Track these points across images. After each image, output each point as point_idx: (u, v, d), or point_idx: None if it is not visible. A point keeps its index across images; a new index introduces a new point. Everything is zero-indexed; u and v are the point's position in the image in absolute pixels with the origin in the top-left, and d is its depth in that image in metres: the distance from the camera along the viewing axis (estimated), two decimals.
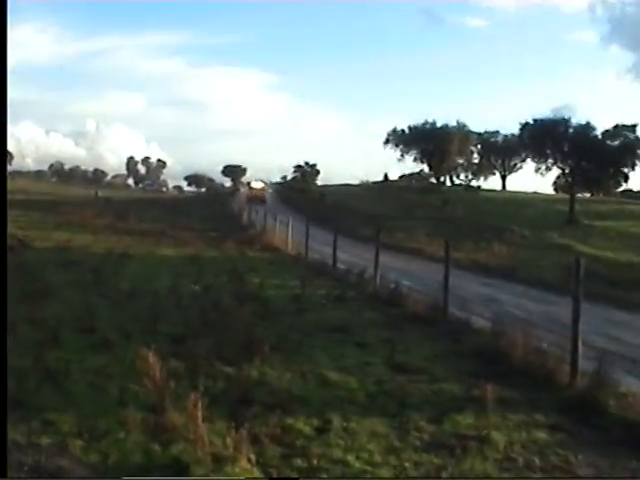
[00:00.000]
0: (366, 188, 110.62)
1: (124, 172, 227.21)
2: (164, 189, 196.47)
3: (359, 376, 11.44)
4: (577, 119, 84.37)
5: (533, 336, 13.33)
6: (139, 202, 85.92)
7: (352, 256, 29.96)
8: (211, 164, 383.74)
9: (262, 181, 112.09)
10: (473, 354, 13.35)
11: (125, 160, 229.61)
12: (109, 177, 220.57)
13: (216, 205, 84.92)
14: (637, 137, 78.05)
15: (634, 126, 78.31)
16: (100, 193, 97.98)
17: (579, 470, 8.12)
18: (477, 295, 23.18)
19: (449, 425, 9.27)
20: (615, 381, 10.85)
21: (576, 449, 8.74)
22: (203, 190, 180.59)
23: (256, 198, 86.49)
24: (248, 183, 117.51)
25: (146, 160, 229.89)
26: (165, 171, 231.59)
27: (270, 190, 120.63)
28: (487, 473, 7.82)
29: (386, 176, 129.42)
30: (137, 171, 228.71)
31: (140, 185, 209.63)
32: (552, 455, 8.51)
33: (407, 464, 7.93)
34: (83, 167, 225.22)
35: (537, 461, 8.29)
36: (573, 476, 6.91)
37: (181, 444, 7.83)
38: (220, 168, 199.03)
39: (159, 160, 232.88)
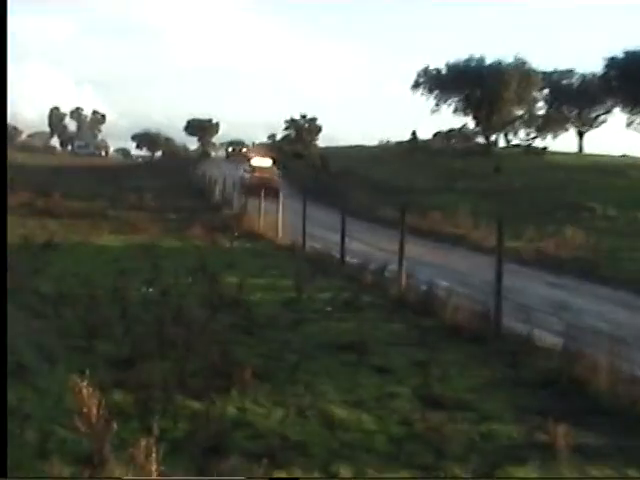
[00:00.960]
0: (387, 151, 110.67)
1: (46, 129, 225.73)
2: (103, 153, 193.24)
3: (379, 413, 11.46)
4: None
5: (624, 359, 13.33)
6: (68, 171, 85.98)
7: (368, 245, 30.03)
8: (169, 118, 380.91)
9: (264, 152, 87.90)
10: (538, 383, 13.37)
11: (47, 112, 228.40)
12: (24, 136, 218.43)
13: (177, 175, 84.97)
14: None
15: None
16: (12, 157, 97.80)
17: None
18: (543, 300, 23.16)
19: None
20: None
21: None
22: (158, 154, 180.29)
23: (261, 186, 52.34)
24: (246, 156, 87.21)
25: (77, 112, 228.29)
26: (104, 127, 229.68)
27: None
28: None
29: (415, 134, 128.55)
30: (64, 127, 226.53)
31: (69, 147, 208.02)
32: None
33: None
34: None
35: None
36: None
37: None
38: (182, 123, 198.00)
39: (95, 112, 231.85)
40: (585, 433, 10.94)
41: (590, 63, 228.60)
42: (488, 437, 10.80)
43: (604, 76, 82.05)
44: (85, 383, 9.38)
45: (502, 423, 11.35)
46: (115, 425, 9.05)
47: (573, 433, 10.57)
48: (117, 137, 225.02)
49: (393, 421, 11.17)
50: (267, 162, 79.13)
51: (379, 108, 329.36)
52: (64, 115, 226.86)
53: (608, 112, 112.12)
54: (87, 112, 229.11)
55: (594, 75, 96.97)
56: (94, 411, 9.08)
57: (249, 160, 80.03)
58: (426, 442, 10.36)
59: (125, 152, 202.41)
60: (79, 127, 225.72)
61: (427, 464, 9.64)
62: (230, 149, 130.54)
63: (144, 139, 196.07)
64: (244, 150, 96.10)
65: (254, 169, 73.93)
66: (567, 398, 12.52)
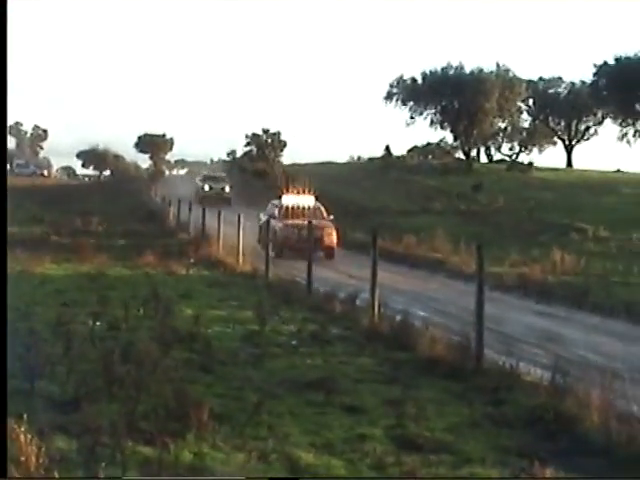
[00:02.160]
0: (358, 168, 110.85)
1: None
2: (45, 172, 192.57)
3: (349, 457, 11.44)
4: None
5: (617, 394, 13.39)
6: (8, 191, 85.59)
7: (337, 272, 30.13)
8: (118, 133, 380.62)
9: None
10: (522, 422, 13.40)
11: None
12: None
13: (127, 196, 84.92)
14: None
15: None
16: None
17: None
18: (529, 330, 23.26)
19: None
20: None
21: None
22: (107, 173, 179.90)
23: (304, 242, 36.10)
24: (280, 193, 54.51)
25: (15, 127, 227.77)
26: (46, 144, 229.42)
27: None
28: None
29: (388, 149, 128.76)
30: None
31: (8, 166, 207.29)
32: None
33: None
34: None
35: None
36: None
37: None
38: (133, 139, 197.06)
39: (36, 127, 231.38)
40: (574, 476, 10.99)
41: (579, 71, 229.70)
42: None
43: (594, 84, 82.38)
44: (23, 428, 9.35)
45: (483, 466, 11.35)
46: (57, 474, 9.04)
47: (561, 476, 10.63)
48: (61, 155, 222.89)
49: (364, 465, 11.16)
50: (308, 200, 51.44)
51: (350, 121, 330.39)
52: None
53: (599, 124, 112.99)
54: (27, 127, 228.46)
55: (583, 83, 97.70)
56: (33, 459, 9.06)
57: (279, 196, 52.32)
58: None
59: (70, 171, 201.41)
60: (18, 144, 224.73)
61: None
62: (205, 173, 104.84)
63: (91, 157, 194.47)
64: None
65: (288, 212, 49.47)
66: (554, 437, 12.55)
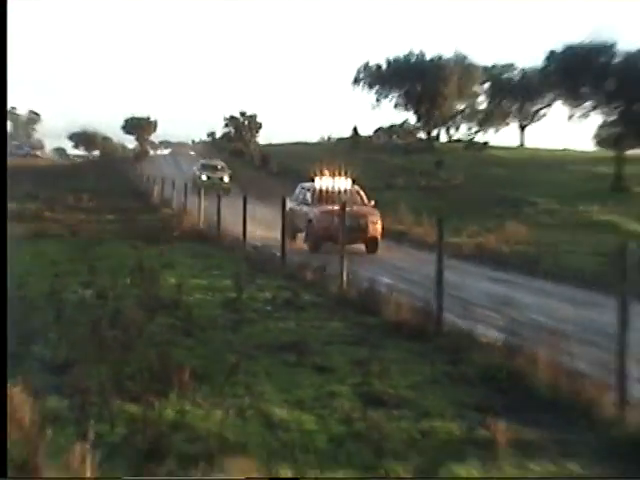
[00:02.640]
0: (329, 148, 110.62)
1: None
2: (39, 153, 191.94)
3: (319, 413, 11.44)
4: (626, 44, 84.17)
5: (564, 353, 13.42)
6: None
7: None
8: (107, 116, 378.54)
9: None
10: (479, 379, 13.43)
11: None
12: None
13: (115, 175, 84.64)
14: None
15: None
16: None
17: None
18: (485, 295, 23.23)
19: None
20: None
21: None
22: (96, 154, 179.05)
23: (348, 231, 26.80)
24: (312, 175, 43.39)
25: (11, 111, 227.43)
26: (39, 127, 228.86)
27: (192, 153, 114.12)
28: None
29: (355, 130, 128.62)
30: None
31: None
32: None
33: None
34: None
35: None
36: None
37: None
38: (120, 122, 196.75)
39: (30, 111, 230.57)
40: (526, 428, 11.02)
41: (531, 58, 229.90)
42: (429, 434, 10.82)
43: (544, 70, 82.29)
44: (18, 388, 9.32)
45: (442, 420, 11.37)
46: (50, 431, 9.01)
47: (513, 428, 10.66)
48: (53, 137, 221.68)
49: (333, 420, 11.16)
50: (345, 183, 41.75)
51: (320, 104, 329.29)
52: None
53: (549, 105, 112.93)
54: (21, 111, 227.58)
55: (534, 69, 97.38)
56: (27, 417, 9.03)
57: (312, 179, 42.23)
58: (366, 441, 10.37)
59: (62, 152, 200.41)
60: (14, 127, 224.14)
61: (367, 463, 9.65)
62: (202, 161, 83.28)
63: (81, 138, 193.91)
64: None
65: (323, 196, 39.94)
66: (507, 393, 12.60)
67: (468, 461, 9.83)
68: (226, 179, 69.60)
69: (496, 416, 10.93)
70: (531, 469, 9.74)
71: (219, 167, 75.32)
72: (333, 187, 40.10)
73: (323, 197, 39.09)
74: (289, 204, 34.31)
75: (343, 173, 41.19)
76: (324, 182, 40.43)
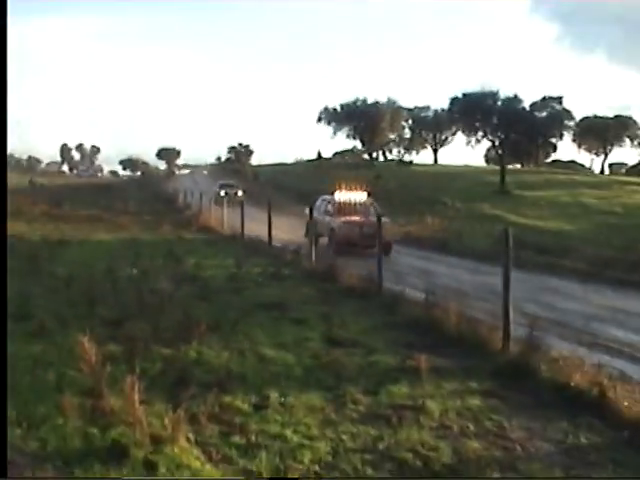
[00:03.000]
0: (300, 166, 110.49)
1: (58, 159, 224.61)
2: (99, 174, 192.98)
3: (296, 351, 11.47)
4: (505, 92, 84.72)
5: (466, 306, 13.50)
6: (74, 188, 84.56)
7: (288, 234, 29.99)
8: (145, 148, 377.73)
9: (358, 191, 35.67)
10: (407, 325, 13.50)
11: (59, 147, 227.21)
12: (43, 164, 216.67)
13: (152, 188, 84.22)
14: (564, 108, 79.46)
15: (560, 97, 79.62)
16: (35, 180, 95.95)
17: (513, 434, 8.26)
18: (411, 268, 23.34)
19: (385, 396, 9.36)
20: (547, 346, 11.03)
21: (509, 413, 8.92)
22: (138, 174, 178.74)
23: (363, 239, 29.37)
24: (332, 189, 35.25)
25: (80, 146, 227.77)
26: (100, 156, 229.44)
27: (205, 172, 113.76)
28: (423, 441, 7.89)
29: (319, 154, 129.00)
30: (72, 157, 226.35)
31: (75, 171, 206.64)
32: (486, 421, 8.67)
33: (344, 436, 7.99)
34: (16, 155, 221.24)
35: (472, 427, 8.44)
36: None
37: (120, 427, 7.78)
38: (154, 151, 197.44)
39: (93, 146, 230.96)
40: (440, 358, 11.08)
41: (440, 101, 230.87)
42: (373, 364, 10.88)
43: (449, 110, 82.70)
44: (86, 338, 9.30)
45: (383, 354, 11.43)
46: (108, 368, 9.02)
47: (431, 359, 10.72)
48: (109, 162, 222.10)
49: (306, 356, 11.20)
50: (361, 196, 34.99)
51: (295, 135, 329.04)
52: (71, 149, 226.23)
53: (454, 135, 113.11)
54: (87, 146, 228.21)
55: (443, 110, 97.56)
56: (93, 358, 9.02)
57: (332, 192, 35.18)
58: (330, 370, 10.42)
59: (115, 173, 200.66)
60: (82, 156, 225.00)
61: (330, 385, 9.71)
62: (221, 182, 75.86)
63: (128, 163, 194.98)
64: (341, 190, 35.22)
65: (343, 208, 33.54)
66: (427, 335, 12.64)
67: (401, 383, 9.89)
68: (239, 193, 64.08)
69: (419, 351, 11.00)
70: (444, 386, 9.81)
71: (233, 185, 71.41)
72: (351, 200, 33.64)
73: (344, 209, 32.51)
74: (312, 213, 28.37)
75: (358, 187, 34.54)
76: (343, 195, 33.75)
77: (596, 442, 8.12)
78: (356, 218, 31.07)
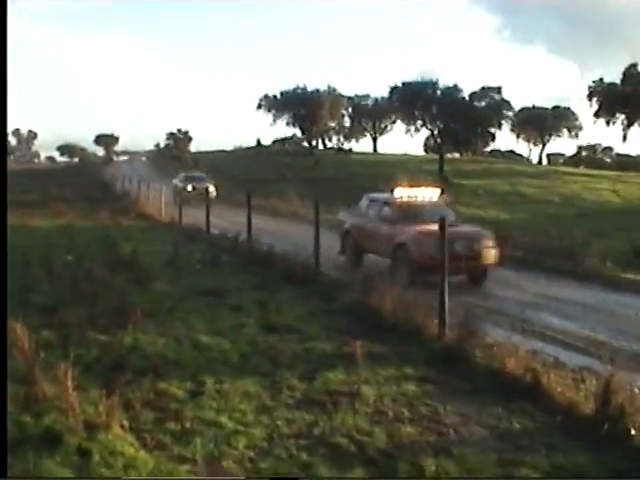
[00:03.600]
0: (240, 153, 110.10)
1: None
2: (36, 160, 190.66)
3: (232, 338, 11.46)
4: (445, 82, 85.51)
5: (402, 292, 13.56)
6: (10, 174, 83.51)
7: (225, 220, 29.84)
8: (83, 134, 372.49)
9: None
10: (344, 312, 13.54)
11: None
12: None
13: (89, 175, 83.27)
14: (503, 98, 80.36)
15: (499, 88, 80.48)
16: None
17: (447, 419, 8.35)
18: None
19: (320, 382, 9.40)
20: (482, 333, 11.13)
21: (444, 399, 9.00)
22: (76, 160, 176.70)
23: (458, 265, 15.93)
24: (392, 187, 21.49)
25: (17, 132, 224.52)
26: (36, 142, 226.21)
27: (144, 158, 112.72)
28: (358, 427, 7.94)
29: (259, 141, 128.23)
30: (8, 143, 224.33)
31: (11, 157, 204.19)
32: (421, 406, 8.75)
33: (279, 422, 8.02)
34: None
35: (406, 413, 8.51)
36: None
37: (53, 414, 7.74)
38: (92, 137, 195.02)
39: (30, 131, 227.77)
40: (376, 345, 11.13)
41: (381, 90, 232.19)
42: (309, 351, 10.91)
43: (389, 99, 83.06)
44: (19, 325, 9.20)
45: (319, 341, 11.46)
46: (42, 354, 8.94)
47: (367, 345, 10.77)
48: (46, 148, 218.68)
49: (243, 342, 11.20)
50: (432, 194, 22.13)
51: (234, 122, 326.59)
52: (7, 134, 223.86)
53: (393, 123, 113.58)
54: (24, 131, 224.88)
55: (383, 98, 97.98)
56: (26, 345, 8.92)
57: (391, 190, 21.65)
58: (266, 356, 10.44)
59: (52, 159, 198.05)
60: (18, 142, 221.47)
61: (266, 371, 9.73)
62: (183, 174, 56.59)
63: (65, 149, 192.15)
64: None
65: (410, 213, 20.33)
66: (364, 321, 12.69)
67: (336, 369, 9.93)
68: (211, 188, 44.56)
69: (355, 337, 11.04)
70: (379, 372, 9.86)
71: (202, 178, 52.68)
72: (418, 200, 21.61)
73: (410, 213, 20.50)
74: (346, 218, 23.73)
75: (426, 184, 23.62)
76: (406, 192, 21.66)
77: (529, 427, 8.24)
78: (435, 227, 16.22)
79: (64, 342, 10.33)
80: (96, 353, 10.19)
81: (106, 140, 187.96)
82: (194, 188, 47.22)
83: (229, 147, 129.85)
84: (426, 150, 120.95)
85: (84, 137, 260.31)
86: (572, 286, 19.13)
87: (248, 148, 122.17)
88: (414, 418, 8.34)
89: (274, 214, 38.95)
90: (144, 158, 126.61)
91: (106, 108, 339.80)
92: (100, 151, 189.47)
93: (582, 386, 9.07)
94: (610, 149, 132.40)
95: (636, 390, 8.60)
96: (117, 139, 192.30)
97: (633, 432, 7.66)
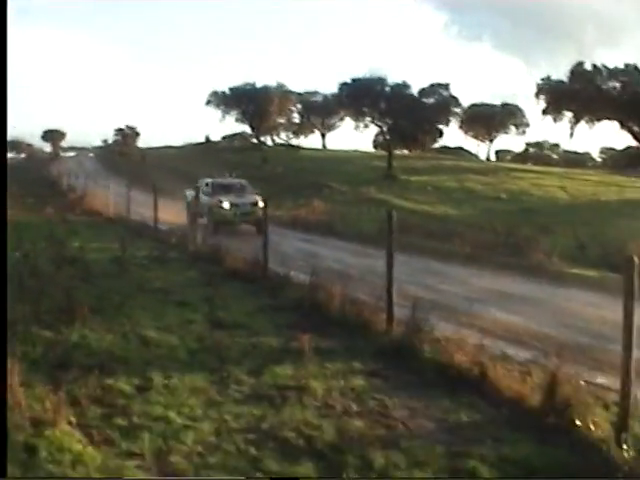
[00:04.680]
0: (188, 150, 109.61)
1: None
2: None
3: (180, 334, 11.46)
4: (393, 78, 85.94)
5: (350, 288, 13.65)
6: None
7: (173, 216, 29.73)
8: (30, 129, 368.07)
9: None
10: (292, 308, 13.59)
11: None
12: None
13: (36, 171, 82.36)
14: (451, 95, 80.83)
15: (447, 84, 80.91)
16: None
17: (395, 412, 8.41)
18: (297, 251, 23.41)
19: (268, 377, 9.43)
20: (430, 327, 11.22)
21: (392, 393, 9.07)
22: (22, 156, 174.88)
23: None
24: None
25: None
26: None
27: (91, 155, 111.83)
28: (306, 421, 7.98)
29: (208, 138, 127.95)
30: None
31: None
32: (369, 400, 8.81)
33: (228, 417, 8.03)
34: None
35: (355, 407, 8.55)
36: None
37: None
38: (39, 133, 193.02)
39: None
40: (324, 339, 11.19)
41: (330, 87, 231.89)
42: (257, 346, 10.93)
43: (338, 95, 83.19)
44: None
45: (266, 336, 11.50)
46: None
47: (315, 340, 10.81)
48: None
49: (190, 339, 11.19)
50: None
51: (183, 118, 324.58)
52: None
53: (342, 120, 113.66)
54: None
55: (332, 95, 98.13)
56: None
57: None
58: (213, 352, 10.44)
59: None
60: None
61: (214, 367, 9.73)
62: (208, 180, 34.67)
63: (11, 145, 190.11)
64: None
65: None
66: (311, 316, 12.73)
67: (284, 364, 9.97)
68: (260, 204, 25.45)
69: (303, 332, 11.06)
70: (327, 367, 9.91)
71: (243, 186, 34.02)
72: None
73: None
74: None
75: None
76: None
77: (476, 420, 8.33)
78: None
79: (9, 339, 10.22)
80: (42, 350, 10.09)
81: (53, 136, 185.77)
82: (234, 205, 30.86)
83: (178, 143, 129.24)
84: (375, 147, 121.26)
85: (31, 133, 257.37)
86: (519, 281, 19.37)
87: (197, 144, 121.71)
88: (362, 412, 8.39)
89: None
90: (92, 154, 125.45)
91: (53, 104, 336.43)
92: (47, 147, 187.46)
93: (528, 379, 9.16)
94: (557, 146, 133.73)
95: (581, 382, 8.72)
96: (64, 135, 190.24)
97: (578, 423, 7.78)
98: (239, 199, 30.98)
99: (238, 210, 30.31)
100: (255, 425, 7.86)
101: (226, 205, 30.40)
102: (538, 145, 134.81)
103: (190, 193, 30.81)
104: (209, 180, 33.76)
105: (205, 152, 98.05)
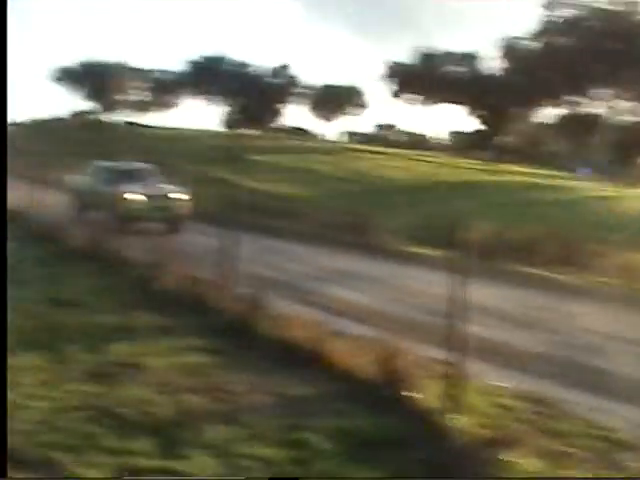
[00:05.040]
0: (34, 127, 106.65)
1: None
2: None
3: (15, 314, 11.18)
4: (238, 58, 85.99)
5: (189, 266, 13.67)
6: None
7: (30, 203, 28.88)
8: None
9: None
10: (129, 286, 13.60)
11: None
12: None
13: None
14: (295, 75, 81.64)
15: (291, 65, 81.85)
16: None
17: (234, 388, 8.54)
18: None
19: (106, 354, 9.47)
20: (269, 304, 11.39)
21: (230, 369, 9.23)
22: None
23: None
24: None
25: None
26: None
27: None
28: (144, 397, 8.00)
29: (51, 114, 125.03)
30: None
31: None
32: (208, 376, 8.92)
33: (64, 395, 7.97)
34: None
35: (193, 383, 8.64)
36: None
37: None
38: None
39: None
40: (161, 317, 11.34)
41: (174, 64, 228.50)
42: (95, 325, 10.89)
43: (181, 73, 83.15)
44: None
45: (104, 314, 11.56)
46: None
47: (152, 318, 10.97)
48: None
49: (26, 317, 11.04)
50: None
51: (26, 94, 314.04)
52: None
53: (185, 97, 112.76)
54: None
55: (175, 72, 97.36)
56: None
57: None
58: (49, 331, 10.47)
59: None
60: None
61: (52, 345, 9.69)
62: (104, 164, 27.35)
63: None
64: None
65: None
66: (149, 294, 12.79)
67: (122, 341, 10.03)
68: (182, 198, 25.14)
69: (141, 310, 11.09)
70: (165, 344, 9.97)
71: (148, 170, 27.70)
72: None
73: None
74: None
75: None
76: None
77: (316, 394, 8.57)
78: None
79: None
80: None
81: None
82: (148, 197, 24.56)
83: (22, 119, 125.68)
84: (219, 126, 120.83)
85: None
86: (360, 260, 19.78)
87: (43, 121, 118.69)
88: (201, 388, 8.46)
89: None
90: None
91: None
92: None
93: (365, 354, 9.41)
94: (401, 129, 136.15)
95: (415, 355, 9.03)
96: None
97: (411, 394, 8.07)
98: (150, 189, 24.85)
99: (151, 204, 24.35)
100: (92, 402, 7.80)
101: (133, 197, 24.21)
102: (386, 127, 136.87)
103: (76, 180, 27.25)
104: (106, 164, 27.30)
105: (52, 130, 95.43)
